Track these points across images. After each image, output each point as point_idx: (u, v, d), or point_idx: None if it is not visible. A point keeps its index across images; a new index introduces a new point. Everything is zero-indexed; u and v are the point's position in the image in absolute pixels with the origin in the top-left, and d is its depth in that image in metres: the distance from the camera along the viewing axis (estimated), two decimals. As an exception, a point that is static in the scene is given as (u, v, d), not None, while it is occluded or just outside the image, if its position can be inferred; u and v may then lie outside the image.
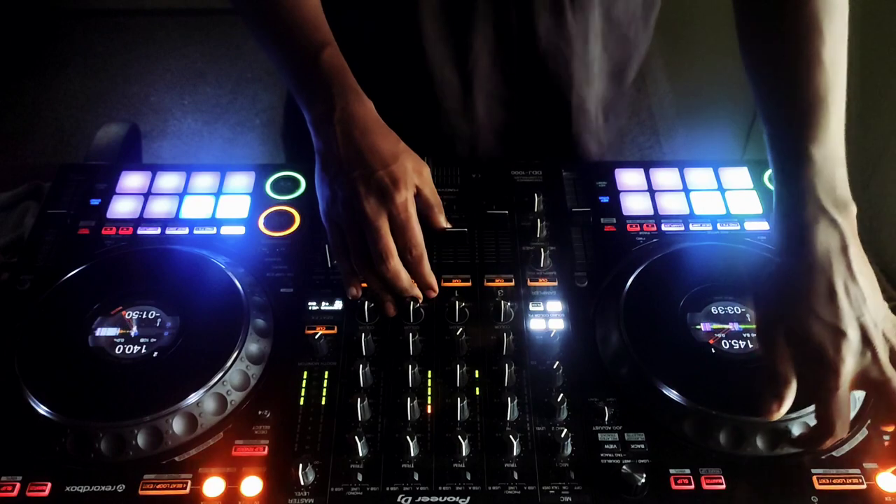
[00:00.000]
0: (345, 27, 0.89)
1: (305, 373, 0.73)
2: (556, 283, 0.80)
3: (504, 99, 0.98)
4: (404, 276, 0.76)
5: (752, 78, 0.74)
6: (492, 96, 0.98)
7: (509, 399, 0.69)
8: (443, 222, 0.81)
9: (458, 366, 0.71)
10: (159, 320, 0.75)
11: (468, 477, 0.66)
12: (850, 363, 0.63)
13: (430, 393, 0.72)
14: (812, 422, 0.67)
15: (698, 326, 0.75)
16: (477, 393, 0.72)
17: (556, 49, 0.94)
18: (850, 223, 0.67)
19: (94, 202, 0.88)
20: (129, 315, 0.75)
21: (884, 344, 0.64)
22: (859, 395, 0.70)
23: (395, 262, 0.74)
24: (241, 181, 0.91)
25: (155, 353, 0.72)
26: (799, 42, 0.69)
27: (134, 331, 0.74)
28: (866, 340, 0.63)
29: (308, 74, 0.79)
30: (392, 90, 0.95)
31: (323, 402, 0.71)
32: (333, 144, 0.76)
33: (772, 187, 0.89)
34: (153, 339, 0.73)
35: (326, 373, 0.73)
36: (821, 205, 0.66)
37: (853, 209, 0.67)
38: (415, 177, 0.76)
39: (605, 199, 0.88)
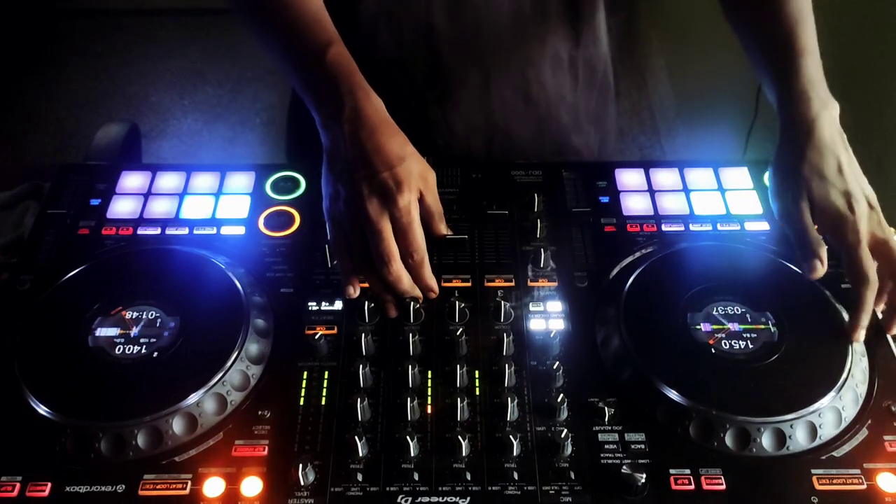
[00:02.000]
0: (362, 25, 0.90)
1: (305, 373, 0.73)
2: (556, 283, 0.80)
3: (523, 94, 0.99)
4: (405, 279, 0.76)
5: (738, 19, 0.88)
6: (510, 91, 0.98)
7: (509, 399, 0.69)
8: (443, 230, 0.81)
9: (458, 366, 0.71)
10: (159, 320, 0.75)
11: (468, 477, 0.66)
12: (864, 222, 0.75)
13: (430, 393, 0.72)
14: (814, 420, 0.67)
15: (698, 327, 0.74)
16: (477, 393, 0.72)
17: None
18: (836, 114, 0.80)
19: (94, 202, 0.88)
20: (129, 315, 0.75)
21: (878, 210, 0.77)
22: (860, 392, 0.70)
23: (397, 266, 0.74)
24: (241, 181, 0.91)
25: (155, 354, 0.72)
26: None
27: (134, 331, 0.74)
28: (870, 205, 0.77)
29: (315, 74, 0.78)
30: (406, 84, 0.96)
31: (323, 402, 0.71)
32: (340, 144, 0.76)
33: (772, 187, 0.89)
34: (153, 340, 0.73)
35: (326, 373, 0.73)
36: (821, 100, 0.79)
37: (835, 102, 0.80)
38: (420, 182, 0.76)
39: (605, 199, 0.88)
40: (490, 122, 1.00)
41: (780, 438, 0.67)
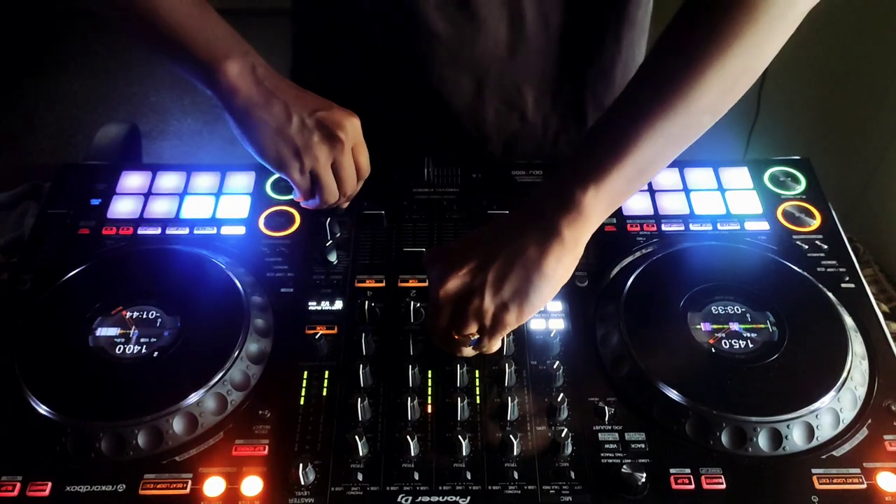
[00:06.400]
0: (352, 27, 0.88)
1: (305, 373, 0.73)
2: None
3: (516, 106, 0.95)
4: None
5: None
6: (503, 102, 0.94)
7: (509, 399, 0.69)
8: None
9: (458, 365, 0.71)
10: (159, 320, 0.75)
11: (468, 477, 0.66)
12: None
13: (430, 393, 0.72)
14: (811, 421, 0.67)
15: (698, 326, 0.75)
16: (477, 393, 0.72)
17: (574, 46, 0.91)
18: (574, 234, 0.65)
19: (95, 202, 0.88)
20: (129, 315, 0.75)
21: (495, 316, 0.67)
22: (859, 394, 0.70)
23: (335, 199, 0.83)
24: (242, 181, 0.91)
25: (155, 353, 0.72)
26: (655, 90, 0.68)
27: (134, 331, 0.74)
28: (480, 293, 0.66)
29: (213, 34, 0.76)
30: (398, 88, 0.94)
31: (323, 402, 0.71)
32: (261, 85, 0.76)
33: (772, 187, 0.90)
34: (153, 339, 0.73)
35: (326, 373, 0.73)
36: (552, 204, 0.66)
37: (585, 226, 0.66)
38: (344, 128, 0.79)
39: (605, 199, 0.88)
40: (480, 132, 0.96)
41: (777, 439, 0.67)
